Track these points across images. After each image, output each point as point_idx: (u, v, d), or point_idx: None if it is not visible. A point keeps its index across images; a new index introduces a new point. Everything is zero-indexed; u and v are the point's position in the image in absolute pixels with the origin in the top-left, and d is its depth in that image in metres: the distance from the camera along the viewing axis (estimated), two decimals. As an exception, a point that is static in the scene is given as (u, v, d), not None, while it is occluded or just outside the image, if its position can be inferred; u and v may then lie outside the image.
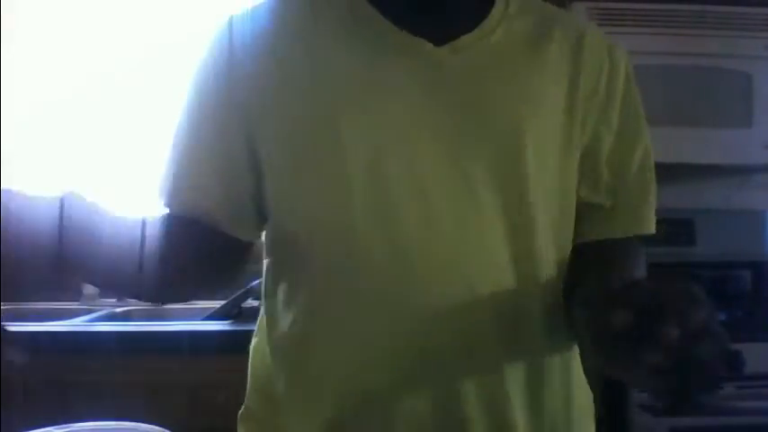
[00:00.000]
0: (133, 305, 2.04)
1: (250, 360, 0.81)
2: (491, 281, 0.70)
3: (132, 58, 2.20)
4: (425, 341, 0.68)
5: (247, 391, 0.81)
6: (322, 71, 0.71)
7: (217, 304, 1.84)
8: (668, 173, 2.09)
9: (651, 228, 0.80)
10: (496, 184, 0.69)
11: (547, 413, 0.73)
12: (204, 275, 0.78)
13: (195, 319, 1.80)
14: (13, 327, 1.61)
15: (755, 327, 1.73)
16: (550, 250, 0.73)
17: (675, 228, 2.13)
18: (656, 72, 1.91)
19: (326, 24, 0.74)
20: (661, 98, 1.91)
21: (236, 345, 0.82)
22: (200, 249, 0.75)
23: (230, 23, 0.76)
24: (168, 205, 0.76)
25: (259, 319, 0.81)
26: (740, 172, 2.20)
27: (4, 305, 1.96)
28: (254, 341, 0.81)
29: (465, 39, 0.73)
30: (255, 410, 0.78)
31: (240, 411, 0.80)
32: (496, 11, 0.76)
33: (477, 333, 0.69)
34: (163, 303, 0.86)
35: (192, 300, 0.93)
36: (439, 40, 0.72)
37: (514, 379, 0.71)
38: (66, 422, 0.78)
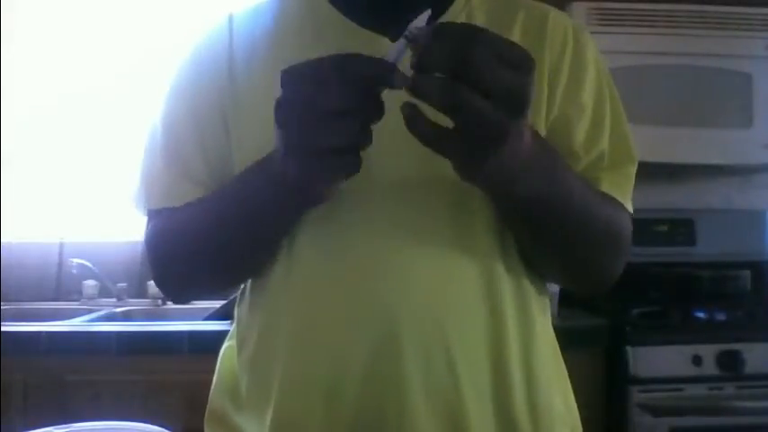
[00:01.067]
0: (133, 305, 2.05)
1: (219, 362, 0.81)
2: (458, 295, 0.69)
3: (130, 61, 2.20)
4: (378, 336, 0.67)
5: (212, 393, 0.80)
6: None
7: (217, 304, 1.85)
8: (668, 173, 2.12)
9: (624, 198, 0.78)
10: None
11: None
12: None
13: (195, 319, 1.81)
14: (13, 327, 1.61)
15: (755, 327, 1.73)
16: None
17: (675, 228, 2.13)
18: (656, 72, 1.91)
19: (290, 28, 0.76)
20: (661, 98, 1.91)
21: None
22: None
23: (230, 20, 0.78)
24: (157, 200, 0.77)
25: (235, 322, 0.81)
26: (740, 172, 2.20)
27: (4, 305, 1.97)
28: (225, 344, 0.82)
29: None
30: (221, 412, 0.78)
31: (206, 413, 0.80)
32: (458, 2, 0.76)
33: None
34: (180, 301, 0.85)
35: (204, 295, 0.92)
36: (399, 36, 0.72)
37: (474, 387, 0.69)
38: (66, 422, 0.78)
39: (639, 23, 1.92)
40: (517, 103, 0.52)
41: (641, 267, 1.94)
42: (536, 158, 0.59)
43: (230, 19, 0.78)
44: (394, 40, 0.72)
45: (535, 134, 0.60)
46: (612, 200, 0.76)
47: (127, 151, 2.16)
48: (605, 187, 0.76)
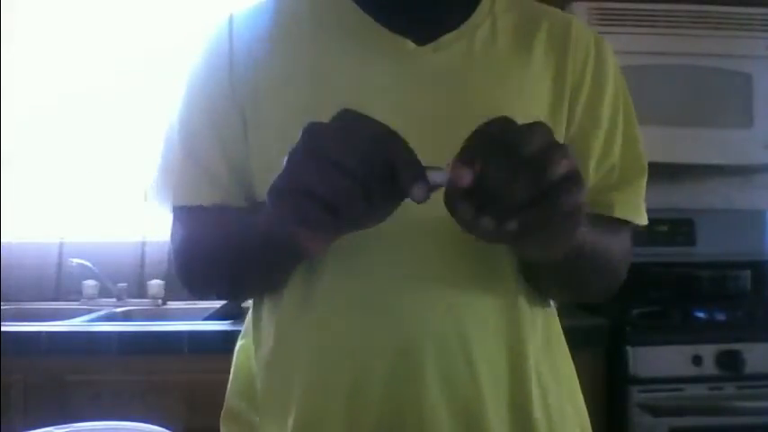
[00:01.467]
0: (133, 305, 2.05)
1: (234, 361, 0.81)
2: (475, 292, 0.69)
3: (131, 60, 2.20)
4: (399, 343, 0.68)
5: (228, 392, 0.80)
6: (309, 72, 0.72)
7: (217, 304, 1.85)
8: (668, 173, 2.12)
9: (637, 216, 0.78)
10: None
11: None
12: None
13: (195, 319, 1.81)
14: (13, 327, 1.61)
15: (755, 327, 1.73)
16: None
17: (675, 228, 2.13)
18: (657, 72, 1.92)
19: (314, 25, 0.75)
20: (661, 98, 1.91)
21: (235, 345, 0.82)
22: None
23: (231, 21, 0.77)
24: (181, 197, 0.76)
25: (246, 320, 0.81)
26: (740, 172, 2.20)
27: (4, 305, 1.97)
28: (240, 342, 0.81)
29: (448, 37, 0.73)
30: (237, 411, 0.78)
31: (222, 411, 0.80)
32: (483, 7, 0.76)
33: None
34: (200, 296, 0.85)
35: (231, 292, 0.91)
36: (424, 39, 0.72)
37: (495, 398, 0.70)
38: (66, 422, 0.78)
39: (639, 23, 1.92)
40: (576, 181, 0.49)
41: (641, 267, 1.92)
42: None
43: (233, 19, 0.77)
44: (417, 42, 0.71)
45: None
46: (622, 224, 0.77)
47: (127, 151, 2.16)
48: (618, 211, 0.76)
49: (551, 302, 0.79)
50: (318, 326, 0.70)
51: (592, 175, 0.76)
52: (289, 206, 0.51)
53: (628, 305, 1.77)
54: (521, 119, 0.49)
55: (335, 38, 0.73)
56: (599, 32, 0.80)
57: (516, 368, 0.70)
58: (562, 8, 0.81)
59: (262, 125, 0.73)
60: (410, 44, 0.72)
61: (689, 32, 1.94)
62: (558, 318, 0.79)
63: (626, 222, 0.77)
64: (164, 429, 0.77)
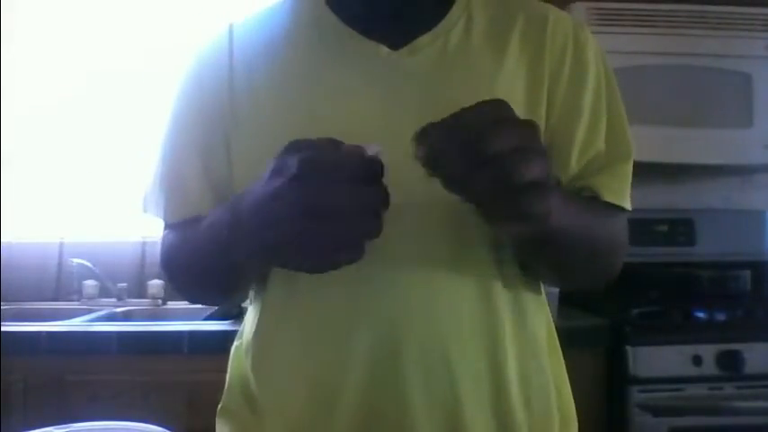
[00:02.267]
0: (133, 305, 2.05)
1: (230, 361, 0.82)
2: (458, 283, 0.69)
3: (130, 60, 2.20)
4: (379, 346, 0.68)
5: (225, 391, 0.81)
6: (287, 81, 0.74)
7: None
8: (668, 173, 2.12)
9: (621, 200, 0.76)
10: None
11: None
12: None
13: (195, 319, 1.81)
14: (13, 327, 1.61)
15: (755, 327, 1.73)
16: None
17: (675, 228, 2.13)
18: (656, 72, 1.92)
19: (293, 37, 0.76)
20: (661, 98, 1.91)
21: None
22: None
23: (230, 30, 0.78)
24: (163, 215, 0.80)
25: (243, 321, 0.82)
26: (740, 172, 2.20)
27: (4, 305, 1.97)
28: (236, 342, 0.82)
29: (422, 39, 0.73)
30: (234, 409, 0.79)
31: (218, 408, 0.81)
32: (459, 5, 0.76)
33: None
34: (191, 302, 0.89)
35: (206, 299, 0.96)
36: (400, 43, 0.73)
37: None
38: (65, 422, 0.78)
39: (639, 23, 1.93)
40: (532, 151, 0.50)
41: (641, 267, 1.94)
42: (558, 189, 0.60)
43: (230, 29, 0.79)
44: (393, 47, 0.72)
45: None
46: (609, 208, 0.76)
47: (127, 151, 2.16)
48: (604, 195, 0.75)
49: (542, 292, 0.78)
50: (297, 327, 0.71)
51: (575, 164, 0.75)
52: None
53: (628, 305, 1.77)
54: None
55: (317, 50, 0.75)
56: (599, 32, 0.79)
57: (496, 367, 0.70)
58: (562, 8, 0.80)
59: (244, 135, 0.74)
60: (384, 49, 0.73)
61: (688, 32, 1.94)
62: (546, 312, 0.78)
63: (615, 208, 0.76)
64: (164, 429, 0.77)
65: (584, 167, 0.75)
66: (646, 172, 1.99)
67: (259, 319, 0.75)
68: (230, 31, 0.78)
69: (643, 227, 2.06)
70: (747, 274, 1.99)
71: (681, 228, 2.14)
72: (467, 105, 0.55)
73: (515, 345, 0.72)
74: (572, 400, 0.79)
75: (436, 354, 0.68)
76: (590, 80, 0.76)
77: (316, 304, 0.70)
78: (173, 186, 0.79)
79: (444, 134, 0.50)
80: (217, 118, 0.76)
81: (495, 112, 0.51)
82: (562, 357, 0.80)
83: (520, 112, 0.71)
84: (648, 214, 2.10)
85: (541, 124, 0.73)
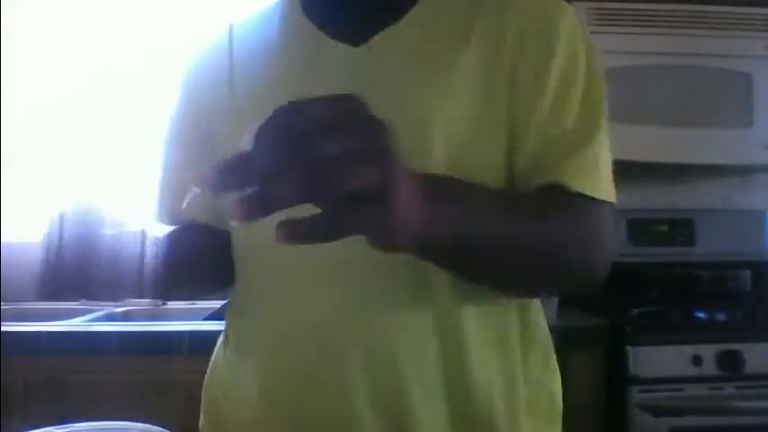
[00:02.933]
0: (133, 305, 2.05)
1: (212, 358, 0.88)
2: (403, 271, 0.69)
3: (131, 60, 2.20)
4: (322, 344, 0.71)
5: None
6: (277, 82, 0.74)
7: (217, 304, 1.85)
8: (668, 173, 2.12)
9: (588, 186, 0.69)
10: None
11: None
12: (209, 271, 0.83)
13: (195, 319, 1.81)
14: (13, 327, 1.61)
15: (755, 327, 1.73)
16: None
17: (675, 228, 2.13)
18: (656, 72, 1.91)
19: (281, 35, 0.78)
20: (661, 98, 1.91)
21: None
22: (198, 247, 0.78)
23: (230, 31, 0.79)
24: (159, 219, 0.83)
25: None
26: (740, 172, 2.20)
27: (4, 305, 1.97)
28: (219, 340, 0.89)
29: (380, 35, 0.73)
30: (209, 401, 0.88)
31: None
32: (420, 1, 0.75)
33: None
34: (166, 299, 0.93)
35: (197, 296, 1.03)
36: (362, 41, 0.73)
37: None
38: (65, 422, 0.78)
39: (639, 23, 1.92)
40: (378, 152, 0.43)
41: (641, 267, 1.93)
42: (438, 193, 0.53)
43: (230, 30, 0.80)
44: (355, 45, 0.73)
45: (425, 175, 0.52)
46: (578, 200, 0.69)
47: (127, 151, 2.16)
48: (566, 178, 0.68)
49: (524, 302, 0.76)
50: (243, 328, 0.81)
51: (532, 142, 0.70)
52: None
53: (628, 305, 1.77)
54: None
55: (291, 51, 0.76)
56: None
57: (447, 360, 0.70)
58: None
59: (244, 135, 0.75)
60: (341, 46, 0.73)
61: (689, 32, 1.94)
62: (531, 306, 0.76)
63: (587, 199, 0.69)
64: (164, 429, 0.77)
65: (546, 149, 0.70)
66: (646, 172, 2.00)
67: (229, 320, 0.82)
68: (230, 32, 0.79)
69: (643, 227, 2.06)
70: (747, 274, 1.99)
71: (681, 228, 2.14)
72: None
73: (474, 339, 0.71)
74: (559, 394, 0.78)
75: (379, 345, 0.69)
76: (557, 61, 0.71)
77: (261, 311, 0.77)
78: (174, 190, 0.81)
79: (274, 133, 0.44)
80: (217, 118, 0.76)
81: (335, 109, 0.44)
82: (550, 352, 0.78)
83: (475, 106, 0.70)
84: (648, 214, 2.09)
85: (501, 113, 0.70)
